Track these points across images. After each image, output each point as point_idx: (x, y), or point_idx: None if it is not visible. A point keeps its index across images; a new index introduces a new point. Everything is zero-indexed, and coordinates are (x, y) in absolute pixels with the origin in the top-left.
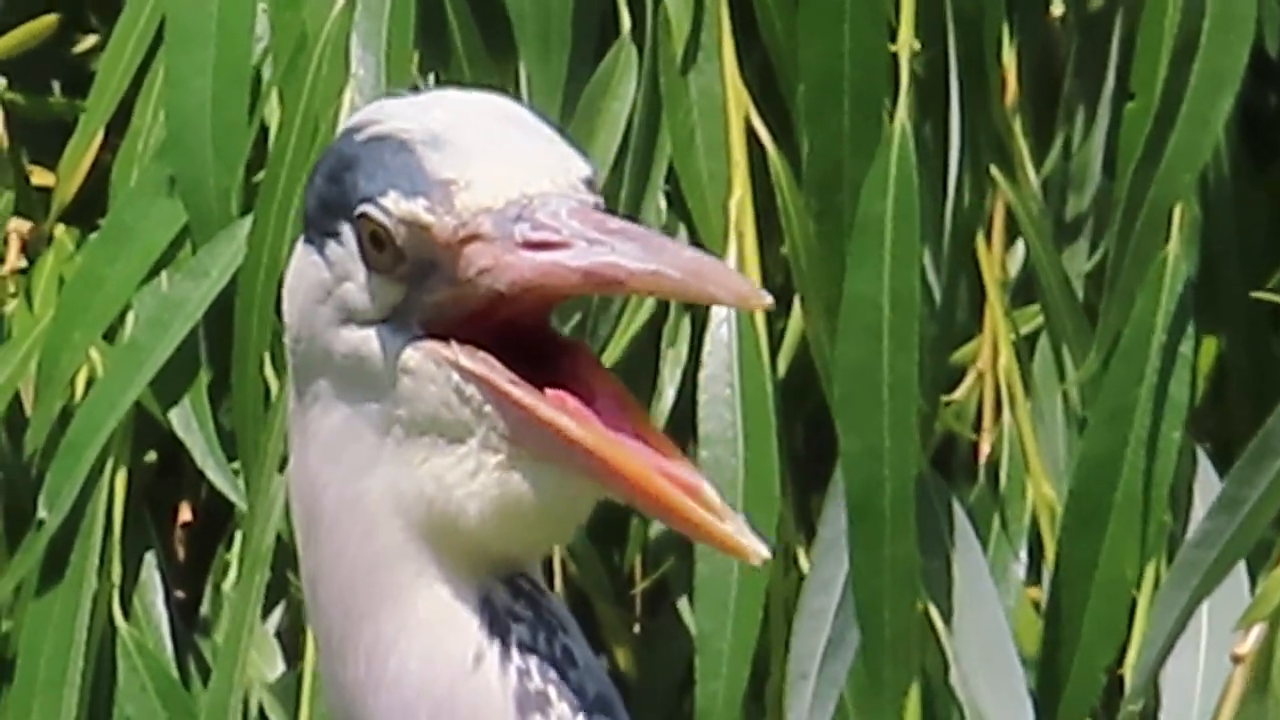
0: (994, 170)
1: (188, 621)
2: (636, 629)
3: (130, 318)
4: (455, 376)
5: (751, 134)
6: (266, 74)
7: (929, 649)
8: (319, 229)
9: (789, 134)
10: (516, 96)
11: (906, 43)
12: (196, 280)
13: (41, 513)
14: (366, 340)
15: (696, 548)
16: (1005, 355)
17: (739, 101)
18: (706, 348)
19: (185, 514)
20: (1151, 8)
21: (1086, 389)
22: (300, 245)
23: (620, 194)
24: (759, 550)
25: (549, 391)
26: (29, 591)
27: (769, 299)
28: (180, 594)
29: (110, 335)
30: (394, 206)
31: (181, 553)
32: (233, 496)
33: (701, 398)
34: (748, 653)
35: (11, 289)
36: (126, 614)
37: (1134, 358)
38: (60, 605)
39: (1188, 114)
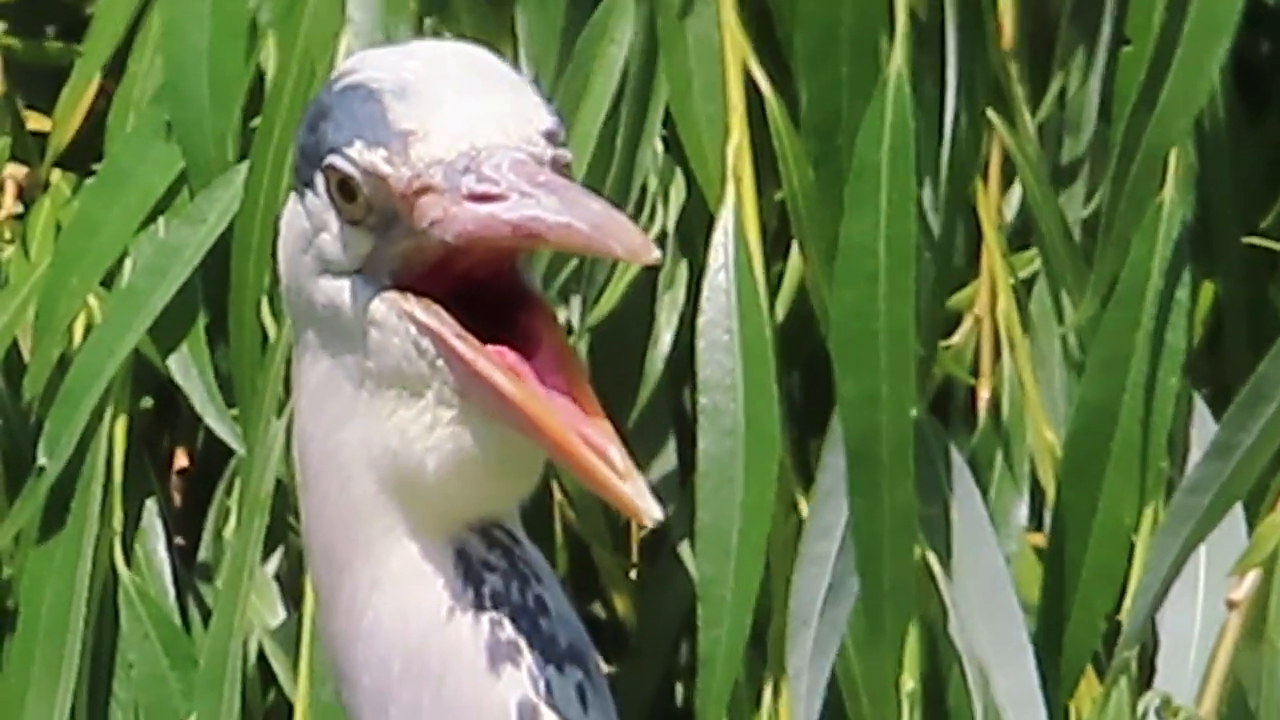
0: (991, 115)
1: (186, 567)
2: (635, 576)
3: (128, 264)
4: (413, 329)
5: (749, 79)
6: (263, 18)
7: (929, 596)
8: (302, 178)
9: (787, 79)
10: (513, 41)
11: None
12: (194, 226)
13: (41, 460)
14: (340, 291)
15: (697, 494)
16: (1004, 299)
17: (737, 47)
18: (705, 293)
19: (181, 460)
20: None
21: (1084, 334)
22: (291, 194)
23: (617, 139)
24: (653, 512)
25: (492, 347)
26: (30, 539)
27: (657, 253)
28: (179, 540)
29: (108, 281)
30: (358, 156)
31: (178, 499)
32: (232, 443)
33: (700, 343)
34: (750, 599)
35: (8, 235)
36: (128, 561)
37: (1130, 304)
38: (61, 552)
39: (1183, 60)
